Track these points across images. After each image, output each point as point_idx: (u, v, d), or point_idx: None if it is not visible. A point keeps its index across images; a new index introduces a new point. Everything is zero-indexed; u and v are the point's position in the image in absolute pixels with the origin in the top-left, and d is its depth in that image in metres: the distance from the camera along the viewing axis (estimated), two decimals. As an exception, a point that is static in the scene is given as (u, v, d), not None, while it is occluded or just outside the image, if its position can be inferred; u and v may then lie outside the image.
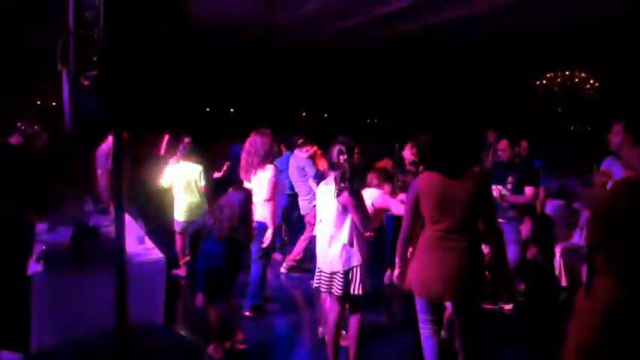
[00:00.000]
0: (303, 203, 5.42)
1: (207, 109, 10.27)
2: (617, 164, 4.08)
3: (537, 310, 4.57)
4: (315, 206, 5.31)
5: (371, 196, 3.78)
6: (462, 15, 7.53)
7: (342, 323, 3.32)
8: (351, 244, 3.14)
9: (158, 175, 5.28)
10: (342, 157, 3.21)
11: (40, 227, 3.85)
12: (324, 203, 3.25)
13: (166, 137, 5.91)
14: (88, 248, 3.09)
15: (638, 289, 2.24)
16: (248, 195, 3.49)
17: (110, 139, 5.31)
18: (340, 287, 3.14)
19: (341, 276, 3.14)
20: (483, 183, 2.94)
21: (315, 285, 3.34)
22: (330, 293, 3.25)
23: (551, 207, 5.86)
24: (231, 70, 10.32)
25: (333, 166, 3.26)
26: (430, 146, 2.93)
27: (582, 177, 5.91)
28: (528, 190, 4.36)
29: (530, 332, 4.16)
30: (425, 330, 2.98)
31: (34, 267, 3.06)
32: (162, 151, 5.89)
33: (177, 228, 5.31)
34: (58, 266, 2.97)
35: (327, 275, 3.20)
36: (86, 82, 1.77)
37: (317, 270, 3.31)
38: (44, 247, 3.12)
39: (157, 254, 3.53)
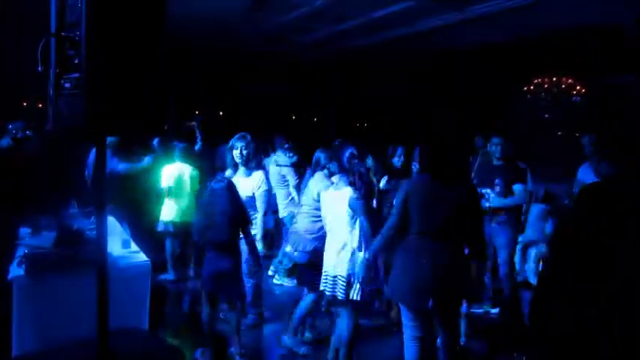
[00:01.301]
0: (280, 206, 5.37)
1: (197, 112, 10.23)
2: (592, 171, 4.15)
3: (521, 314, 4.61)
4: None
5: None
6: (452, 22, 7.59)
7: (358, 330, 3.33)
8: (359, 248, 3.16)
9: (148, 177, 5.29)
10: (354, 161, 3.28)
11: (24, 230, 3.80)
12: (334, 208, 3.23)
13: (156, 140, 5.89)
14: (70, 252, 3.05)
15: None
16: (230, 183, 3.46)
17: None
18: (343, 291, 3.15)
19: (343, 280, 3.14)
20: (473, 189, 2.97)
21: (322, 288, 3.32)
22: (335, 297, 3.22)
23: (536, 211, 5.92)
24: (222, 72, 10.30)
25: (343, 170, 3.27)
26: (426, 150, 2.96)
27: (568, 182, 5.99)
28: (518, 189, 4.39)
29: (512, 336, 4.19)
30: (407, 335, 2.97)
31: (16, 271, 3.02)
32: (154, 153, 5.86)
33: (163, 229, 5.29)
34: (40, 270, 2.92)
35: (331, 277, 3.21)
36: (67, 85, 1.76)
37: (324, 273, 3.30)
38: (26, 251, 3.07)
39: (142, 258, 3.49)
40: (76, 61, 1.73)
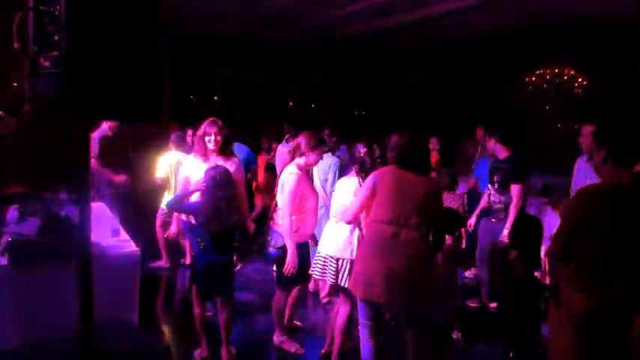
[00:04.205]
0: None
1: (192, 97, 10.03)
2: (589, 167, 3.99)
3: (518, 310, 4.53)
4: None
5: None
6: (454, 8, 7.44)
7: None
8: (355, 235, 3.19)
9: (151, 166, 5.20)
10: (362, 150, 3.42)
11: (11, 216, 3.67)
12: (346, 195, 3.23)
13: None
14: (56, 240, 2.92)
15: (606, 299, 2.22)
16: (225, 172, 3.31)
17: (103, 126, 5.18)
18: (333, 274, 3.17)
19: (333, 262, 3.17)
20: (437, 184, 3.01)
21: (316, 276, 3.37)
22: (327, 282, 3.33)
23: (536, 205, 5.83)
24: (220, 58, 10.09)
25: (354, 160, 3.41)
26: (403, 144, 2.92)
27: (567, 176, 5.90)
28: (514, 189, 4.28)
29: (510, 330, 4.13)
30: (363, 334, 2.87)
31: (-1, 259, 2.90)
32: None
33: (162, 217, 5.19)
34: (24, 259, 2.80)
35: (322, 259, 3.26)
36: (46, 64, 1.62)
37: (319, 257, 3.33)
38: (10, 239, 2.94)
39: (131, 247, 3.38)
40: (56, 38, 1.59)
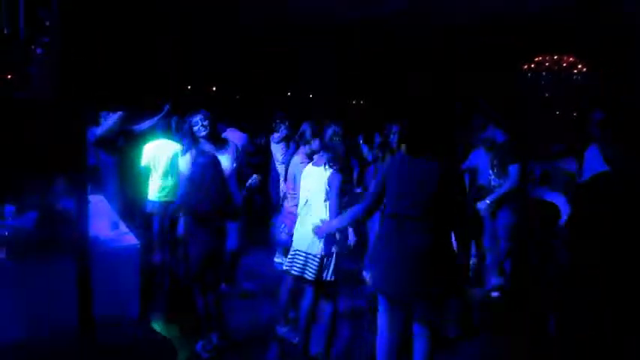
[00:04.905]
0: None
1: (189, 87, 9.88)
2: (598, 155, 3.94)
3: (522, 298, 4.51)
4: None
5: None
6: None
7: (315, 310, 3.20)
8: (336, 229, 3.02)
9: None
10: (335, 139, 3.21)
11: (8, 209, 3.61)
12: (312, 185, 3.11)
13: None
14: (54, 234, 2.88)
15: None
16: (213, 160, 3.23)
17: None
18: (313, 272, 3.03)
19: (316, 260, 3.02)
20: (453, 168, 2.69)
21: (285, 267, 3.20)
22: (302, 278, 3.10)
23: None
24: (214, 44, 9.95)
25: (325, 147, 3.17)
26: (406, 129, 2.77)
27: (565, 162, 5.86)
28: (512, 169, 4.23)
29: (513, 319, 4.10)
30: (380, 324, 2.77)
31: (-4, 253, 2.85)
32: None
33: (151, 209, 5.10)
34: (22, 253, 2.76)
35: (303, 256, 3.07)
36: (38, 50, 1.56)
37: (292, 251, 3.17)
38: (7, 232, 2.90)
39: (131, 240, 3.34)
40: (48, 23, 1.53)
